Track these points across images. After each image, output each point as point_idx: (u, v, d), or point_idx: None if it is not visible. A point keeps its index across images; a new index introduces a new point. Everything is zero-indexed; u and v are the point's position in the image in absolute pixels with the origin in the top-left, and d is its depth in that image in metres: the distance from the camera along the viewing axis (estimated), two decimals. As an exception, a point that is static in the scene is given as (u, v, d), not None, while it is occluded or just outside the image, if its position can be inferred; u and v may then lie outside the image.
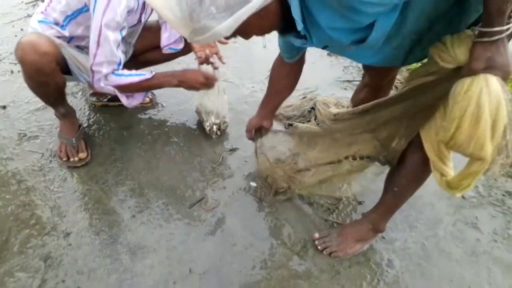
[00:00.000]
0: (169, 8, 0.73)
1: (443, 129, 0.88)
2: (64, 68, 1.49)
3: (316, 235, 1.40)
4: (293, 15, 0.83)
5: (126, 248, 1.36)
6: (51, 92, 1.49)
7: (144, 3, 1.48)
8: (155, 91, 2.00)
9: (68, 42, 1.50)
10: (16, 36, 2.53)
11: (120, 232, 1.41)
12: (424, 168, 1.09)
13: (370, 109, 1.25)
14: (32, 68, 1.35)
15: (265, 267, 1.32)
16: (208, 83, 1.60)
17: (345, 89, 2.20)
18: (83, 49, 1.54)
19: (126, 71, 1.48)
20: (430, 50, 0.91)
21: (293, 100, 1.94)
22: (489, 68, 0.78)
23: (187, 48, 1.72)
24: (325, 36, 0.89)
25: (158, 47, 1.69)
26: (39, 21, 1.45)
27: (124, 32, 1.41)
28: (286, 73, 1.35)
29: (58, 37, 1.46)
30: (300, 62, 1.32)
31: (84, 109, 1.95)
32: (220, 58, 1.69)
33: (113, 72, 1.44)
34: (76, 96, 2.02)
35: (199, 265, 1.32)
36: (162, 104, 2.01)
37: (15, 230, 1.39)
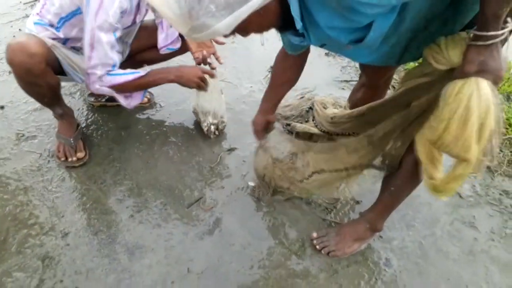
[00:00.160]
0: (167, 5, 0.73)
1: (432, 129, 0.89)
2: (58, 69, 1.49)
3: (314, 234, 1.40)
4: (292, 13, 0.84)
5: (124, 248, 1.36)
6: (44, 92, 1.48)
7: (138, 4, 1.48)
8: (153, 91, 2.00)
9: (64, 43, 1.50)
10: (14, 36, 2.52)
11: (118, 232, 1.41)
12: (420, 169, 1.10)
13: (366, 112, 1.25)
14: (22, 69, 1.35)
15: (263, 266, 1.33)
16: (204, 79, 1.59)
17: (343, 89, 2.20)
18: (79, 50, 1.54)
19: (120, 71, 1.47)
20: (425, 51, 0.92)
21: (291, 100, 1.95)
22: (481, 71, 0.79)
23: (184, 47, 1.72)
24: (323, 35, 0.89)
25: (155, 46, 1.68)
26: (35, 23, 1.45)
27: (118, 34, 1.40)
28: (289, 65, 1.33)
29: (54, 39, 1.45)
30: (304, 54, 1.29)
31: (82, 109, 1.95)
32: (217, 59, 1.69)
33: (107, 73, 1.43)
34: (74, 96, 2.02)
35: (197, 264, 1.32)
36: (160, 104, 2.01)
37: (13, 230, 1.39)
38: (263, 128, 1.50)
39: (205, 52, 1.63)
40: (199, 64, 1.66)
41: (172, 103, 2.02)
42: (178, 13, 0.73)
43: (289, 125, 1.80)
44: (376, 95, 1.51)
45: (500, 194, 1.62)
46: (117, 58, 1.44)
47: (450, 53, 0.85)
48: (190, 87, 1.63)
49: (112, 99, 1.82)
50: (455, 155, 0.87)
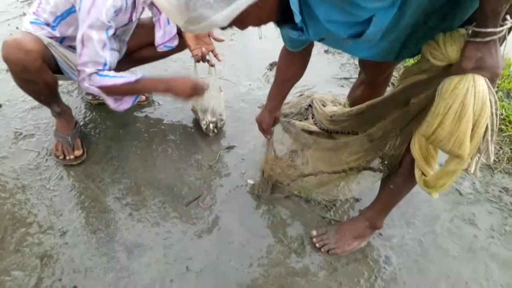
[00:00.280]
0: None
1: (427, 123, 0.89)
2: (55, 67, 1.48)
3: (314, 232, 1.40)
4: (291, 6, 0.83)
5: (123, 246, 1.36)
6: (41, 90, 1.47)
7: (134, 2, 1.47)
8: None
9: (61, 42, 1.49)
10: (11, 34, 2.51)
11: (117, 230, 1.40)
12: None
13: (365, 110, 1.25)
14: (17, 66, 1.35)
15: (263, 264, 1.32)
16: (196, 93, 1.51)
17: (342, 86, 2.20)
18: (75, 48, 1.53)
19: (111, 73, 1.43)
20: (423, 47, 0.92)
21: (290, 97, 1.94)
22: (479, 68, 0.79)
23: (182, 45, 1.71)
24: (322, 29, 0.88)
25: (152, 44, 1.67)
26: (31, 22, 1.44)
27: (110, 32, 1.38)
28: (292, 61, 1.32)
29: (50, 38, 1.44)
30: (307, 49, 1.27)
31: (80, 107, 1.94)
32: (216, 56, 1.68)
33: (97, 73, 1.40)
34: (72, 95, 2.01)
35: (196, 263, 1.32)
36: (158, 102, 2.00)
37: (11, 229, 1.38)
38: (270, 126, 1.50)
39: (203, 50, 1.62)
40: (198, 61, 1.65)
41: (170, 101, 2.00)
42: (175, 3, 0.72)
43: (288, 122, 1.79)
44: (375, 92, 1.51)
45: (500, 191, 1.61)
46: (109, 56, 1.41)
47: (448, 49, 0.85)
48: (183, 99, 1.55)
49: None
50: (448, 150, 0.87)
